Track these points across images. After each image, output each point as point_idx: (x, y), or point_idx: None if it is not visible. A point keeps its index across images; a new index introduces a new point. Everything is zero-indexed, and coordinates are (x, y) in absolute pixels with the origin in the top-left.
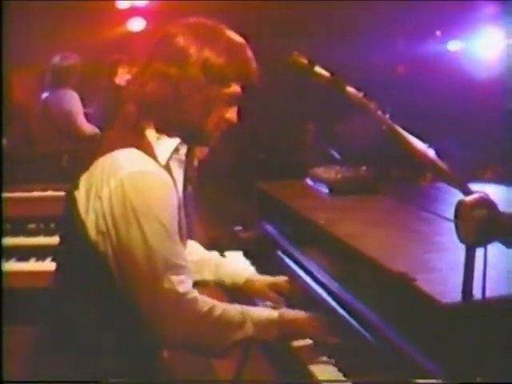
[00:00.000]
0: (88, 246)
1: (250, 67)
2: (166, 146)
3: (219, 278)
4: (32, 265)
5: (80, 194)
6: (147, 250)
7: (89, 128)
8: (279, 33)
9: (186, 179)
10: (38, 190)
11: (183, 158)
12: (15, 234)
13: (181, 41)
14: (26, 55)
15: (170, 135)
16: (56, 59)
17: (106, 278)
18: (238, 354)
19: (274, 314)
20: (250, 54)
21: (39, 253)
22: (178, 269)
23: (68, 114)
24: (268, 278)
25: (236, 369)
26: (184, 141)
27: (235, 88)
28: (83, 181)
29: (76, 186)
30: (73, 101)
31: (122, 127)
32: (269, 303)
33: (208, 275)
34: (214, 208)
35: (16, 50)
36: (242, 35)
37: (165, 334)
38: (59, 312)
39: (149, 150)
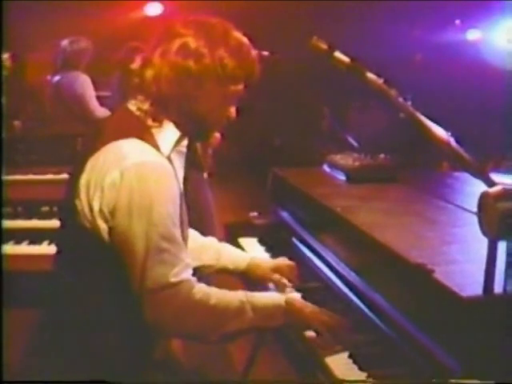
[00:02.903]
0: (88, 233)
1: (255, 68)
2: (167, 137)
3: (222, 263)
4: (45, 248)
5: (82, 182)
6: (146, 242)
7: (102, 112)
8: (298, 20)
9: (199, 166)
10: (52, 173)
11: (184, 149)
12: (28, 216)
13: (191, 42)
14: (40, 39)
15: (179, 129)
16: (66, 42)
17: (104, 266)
18: (252, 342)
19: (282, 301)
20: (254, 54)
21: (52, 236)
22: (173, 259)
23: (81, 98)
24: (271, 261)
25: (248, 357)
26: (189, 135)
27: (241, 87)
28: (86, 168)
29: (79, 172)
30: (85, 85)
31: (125, 119)
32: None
33: (208, 261)
34: (228, 194)
35: (31, 34)
36: (244, 34)
37: (157, 321)
38: (59, 296)
39: (151, 141)
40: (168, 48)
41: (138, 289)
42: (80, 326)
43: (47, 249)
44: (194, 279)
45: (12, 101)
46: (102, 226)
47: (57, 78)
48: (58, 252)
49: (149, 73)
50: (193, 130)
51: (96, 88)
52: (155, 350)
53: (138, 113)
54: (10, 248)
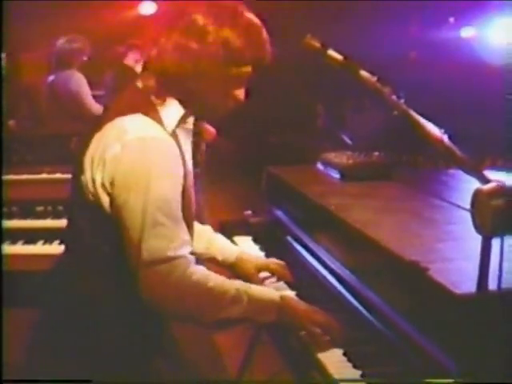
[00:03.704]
0: (91, 206)
1: (265, 50)
2: (171, 113)
3: (211, 253)
4: (40, 248)
5: (87, 157)
6: (143, 214)
7: (98, 109)
8: (292, 18)
9: (195, 156)
10: (46, 173)
11: (191, 127)
12: (23, 216)
13: (200, 19)
14: (36, 39)
15: (183, 106)
16: (62, 41)
17: (111, 244)
18: (247, 339)
19: (277, 297)
20: (266, 36)
21: (47, 235)
22: (170, 234)
23: (76, 96)
24: (260, 260)
25: (244, 355)
26: (194, 113)
27: (249, 69)
28: (90, 147)
29: (85, 148)
30: (80, 82)
31: (130, 96)
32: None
33: (199, 249)
34: (223, 192)
35: (25, 34)
36: (258, 15)
37: (152, 297)
38: (66, 293)
39: (156, 117)
40: (175, 25)
41: (134, 262)
42: (81, 314)
43: (42, 248)
44: (191, 257)
45: (7, 100)
46: (104, 199)
47: (52, 77)
48: (66, 250)
49: (154, 50)
50: (196, 108)
51: (90, 87)
52: (157, 335)
53: (143, 89)
54: (5, 248)
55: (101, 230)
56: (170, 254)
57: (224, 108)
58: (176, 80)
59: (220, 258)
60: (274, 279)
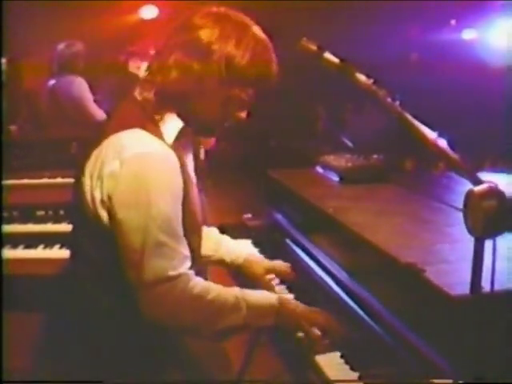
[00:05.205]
0: (92, 224)
1: (270, 71)
2: (171, 126)
3: (219, 255)
4: (40, 252)
5: (86, 174)
6: (144, 233)
7: (101, 114)
8: (292, 19)
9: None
10: (46, 177)
11: (190, 138)
12: (24, 221)
13: (205, 35)
14: (36, 44)
15: (182, 120)
16: (61, 46)
17: (111, 259)
18: (246, 342)
19: (275, 300)
20: (272, 54)
21: (47, 240)
22: (172, 252)
23: (79, 102)
24: (267, 262)
25: (243, 357)
26: (192, 128)
27: (251, 91)
28: (89, 163)
29: (84, 165)
30: (82, 87)
31: (129, 110)
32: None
33: (207, 251)
34: (223, 195)
35: (26, 38)
36: (264, 30)
37: (154, 315)
38: (71, 299)
39: (155, 130)
40: (179, 41)
41: (135, 281)
42: (89, 325)
43: (43, 253)
44: (191, 272)
45: (8, 105)
46: (104, 215)
47: (52, 82)
48: (71, 256)
49: (156, 64)
50: (194, 124)
51: (91, 92)
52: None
53: (143, 102)
54: (5, 252)
55: (101, 245)
56: (172, 272)
57: (221, 127)
58: (176, 96)
59: (228, 259)
60: (277, 281)
